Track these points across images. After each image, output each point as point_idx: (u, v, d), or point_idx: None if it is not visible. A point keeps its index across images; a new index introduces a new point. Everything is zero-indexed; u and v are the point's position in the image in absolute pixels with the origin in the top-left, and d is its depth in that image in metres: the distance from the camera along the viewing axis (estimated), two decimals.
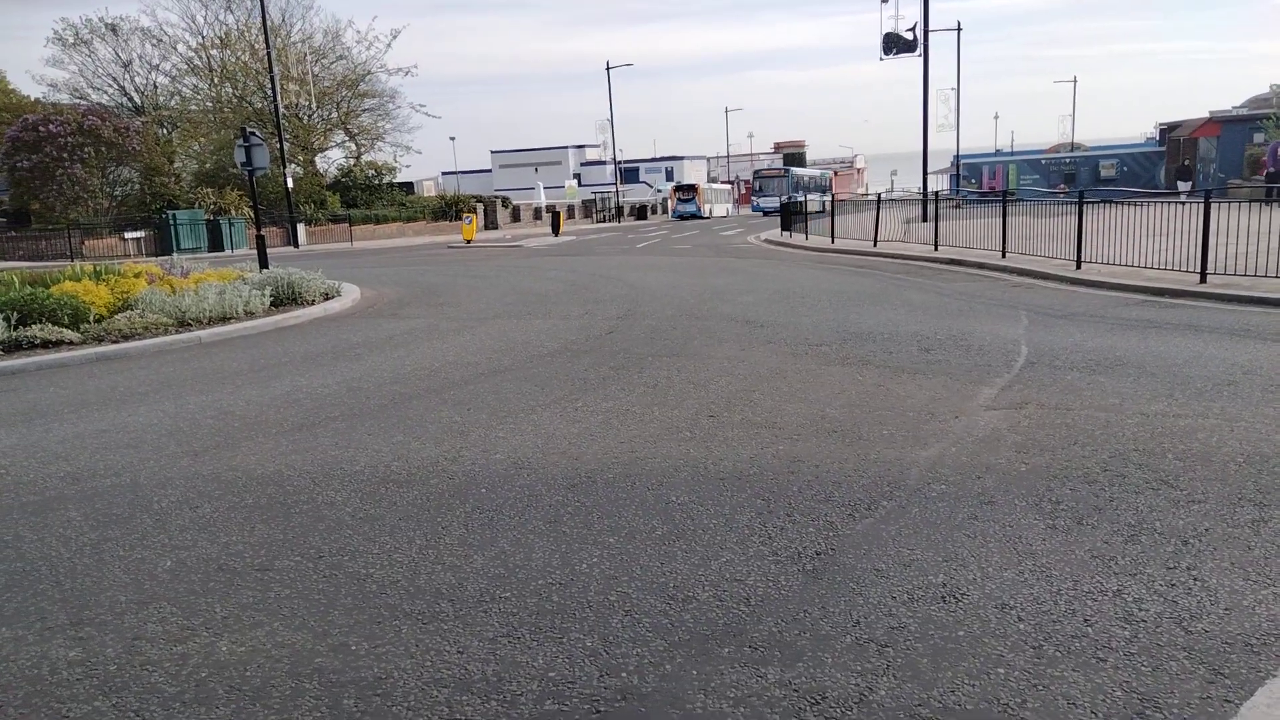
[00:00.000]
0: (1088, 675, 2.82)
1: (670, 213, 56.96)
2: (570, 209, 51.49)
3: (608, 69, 51.90)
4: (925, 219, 22.65)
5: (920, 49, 27.10)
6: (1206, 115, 37.99)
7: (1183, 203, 12.60)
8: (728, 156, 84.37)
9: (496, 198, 47.38)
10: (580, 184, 67.11)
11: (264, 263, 17.07)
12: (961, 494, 4.39)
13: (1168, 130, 40.61)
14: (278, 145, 31.96)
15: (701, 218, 53.70)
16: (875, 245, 19.56)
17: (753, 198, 57.65)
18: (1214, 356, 7.23)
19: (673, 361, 7.96)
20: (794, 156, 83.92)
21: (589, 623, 3.27)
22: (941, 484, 4.54)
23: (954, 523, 4.05)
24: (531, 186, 54.81)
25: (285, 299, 13.01)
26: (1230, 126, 34.63)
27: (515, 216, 46.83)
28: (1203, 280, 10.95)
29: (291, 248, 32.02)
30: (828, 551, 3.80)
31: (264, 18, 31.55)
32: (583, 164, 78.57)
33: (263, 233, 18.85)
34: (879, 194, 25.15)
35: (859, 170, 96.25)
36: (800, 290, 13.16)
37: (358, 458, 5.44)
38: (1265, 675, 2.76)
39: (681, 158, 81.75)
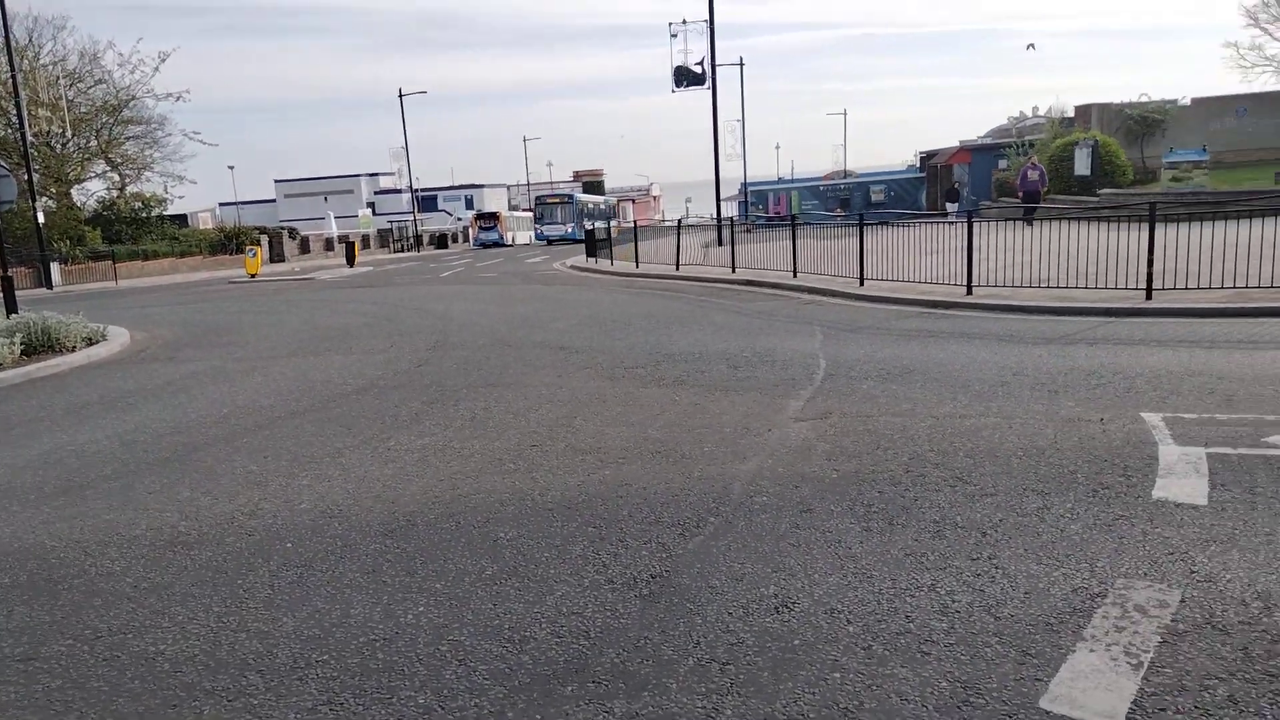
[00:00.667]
0: (915, 670, 2.94)
1: (472, 241, 56.06)
2: (365, 239, 49.59)
3: (401, 96, 50.69)
4: (721, 243, 23.65)
5: (709, 82, 28.39)
6: (958, 144, 42.38)
7: (949, 223, 13.89)
8: (528, 184, 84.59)
9: (283, 229, 44.74)
10: (375, 213, 64.91)
11: (12, 306, 15.11)
12: (783, 504, 4.52)
13: (927, 158, 44.92)
14: (26, 177, 28.63)
15: (504, 245, 53.21)
16: (678, 269, 20.18)
17: (535, 225, 54.88)
18: (987, 361, 7.95)
19: (490, 392, 7.76)
20: (593, 185, 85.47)
21: (420, 678, 3.05)
22: (763, 496, 4.66)
23: (779, 533, 4.15)
24: (322, 216, 52.28)
25: (40, 346, 11.55)
26: (979, 154, 38.80)
27: (304, 248, 44.44)
28: (969, 292, 12.09)
29: (45, 289, 28.67)
30: (663, 574, 3.77)
31: (6, 38, 28.27)
32: (377, 192, 76.14)
33: (9, 273, 16.69)
34: (679, 220, 25.99)
35: (655, 197, 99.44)
36: (611, 315, 13.29)
37: (138, 520, 4.85)
38: (1066, 652, 2.99)
39: (481, 186, 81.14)
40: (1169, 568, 3.56)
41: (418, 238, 53.78)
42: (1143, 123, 31.49)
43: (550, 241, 49.61)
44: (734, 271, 18.09)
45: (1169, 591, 3.36)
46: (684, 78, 29.26)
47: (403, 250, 52.67)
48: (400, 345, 11.07)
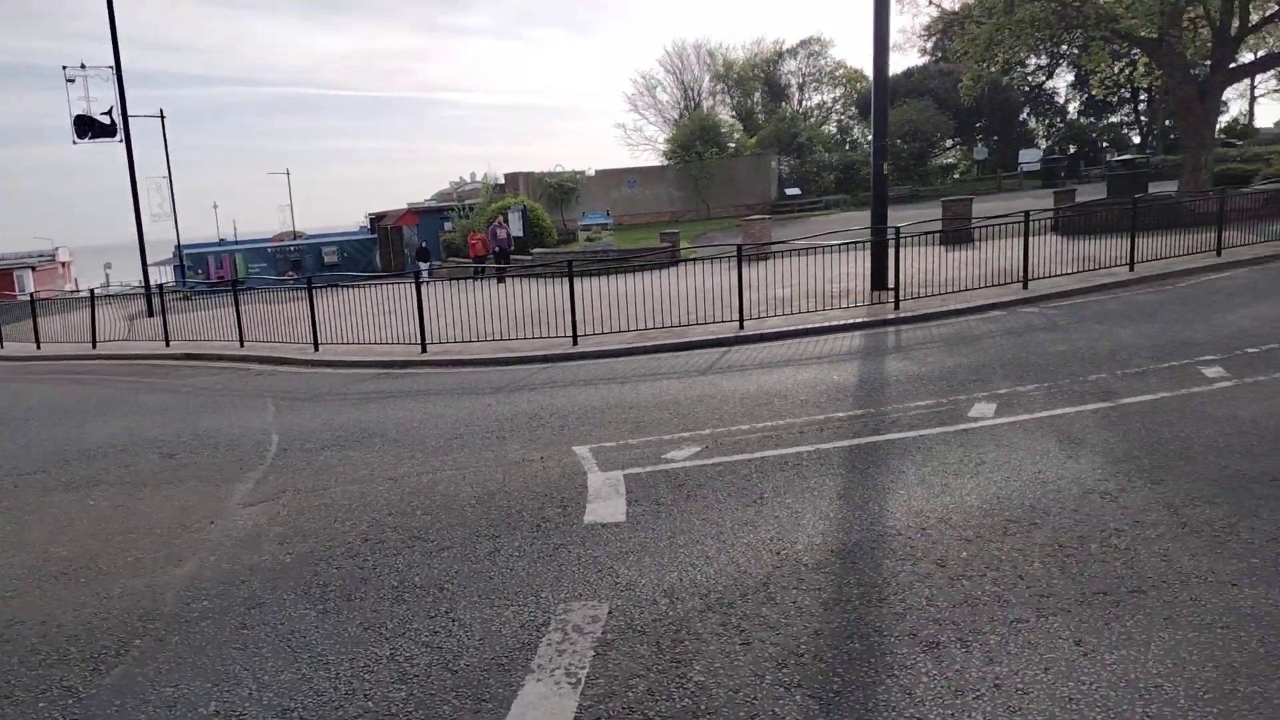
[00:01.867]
0: None
1: None
2: None
3: None
4: (151, 313, 20.97)
5: (121, 134, 25.13)
6: (405, 206, 43.91)
7: (424, 281, 14.12)
8: None
9: None
10: None
11: None
12: (227, 605, 4.05)
13: (376, 219, 45.62)
14: None
15: None
16: (95, 347, 17.34)
17: None
18: (442, 415, 8.22)
19: None
20: None
21: None
22: (204, 600, 4.13)
23: (222, 639, 3.70)
24: None
25: None
26: (425, 216, 40.62)
27: None
28: (424, 350, 12.45)
29: None
30: None
31: None
32: None
33: None
34: (92, 290, 22.44)
35: (64, 264, 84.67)
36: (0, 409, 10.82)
37: None
38: (517, 688, 3.14)
39: None
40: (599, 584, 3.99)
41: None
42: (560, 190, 36.15)
43: None
44: (169, 345, 16.14)
45: (599, 606, 3.75)
46: (89, 128, 25.44)
47: None
48: None
